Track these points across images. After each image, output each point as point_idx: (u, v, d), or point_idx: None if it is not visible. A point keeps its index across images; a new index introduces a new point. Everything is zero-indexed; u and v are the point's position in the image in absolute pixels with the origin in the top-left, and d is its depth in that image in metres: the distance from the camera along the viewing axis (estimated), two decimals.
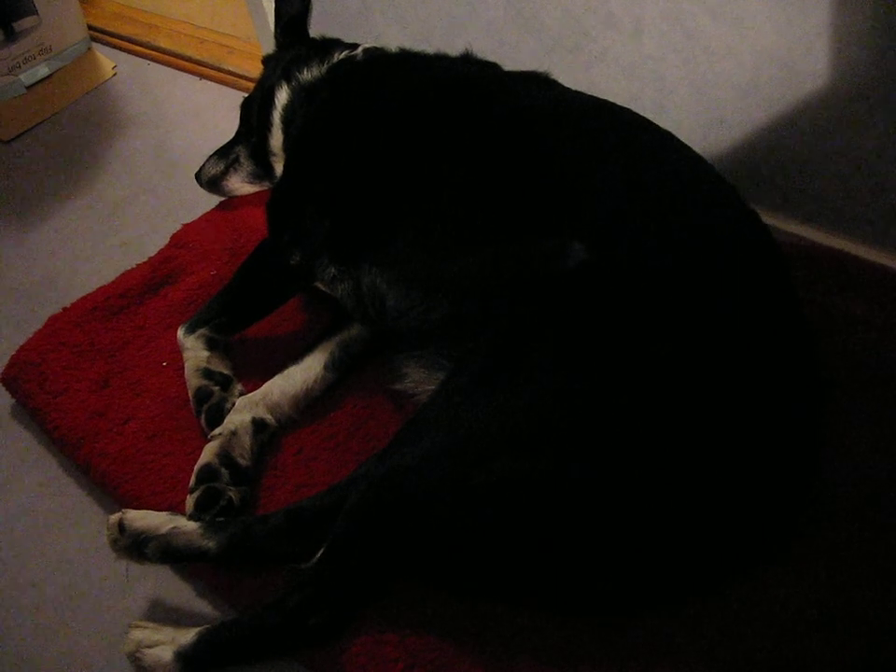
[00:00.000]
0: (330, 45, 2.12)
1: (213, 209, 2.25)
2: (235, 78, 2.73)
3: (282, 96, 2.03)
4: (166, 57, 2.90)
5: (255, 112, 2.12)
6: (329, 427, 1.74)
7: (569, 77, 1.78)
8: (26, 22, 2.78)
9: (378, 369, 1.79)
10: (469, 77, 1.84)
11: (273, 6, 2.31)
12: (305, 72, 2.02)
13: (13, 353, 2.05)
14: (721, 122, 1.80)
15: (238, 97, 2.64)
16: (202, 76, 2.81)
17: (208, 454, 1.65)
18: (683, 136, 1.61)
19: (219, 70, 2.76)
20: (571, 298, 1.43)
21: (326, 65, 2.02)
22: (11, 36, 2.77)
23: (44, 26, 2.83)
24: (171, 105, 2.76)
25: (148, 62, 2.95)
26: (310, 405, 1.78)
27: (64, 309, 2.07)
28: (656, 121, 1.64)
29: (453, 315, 1.56)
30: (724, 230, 1.55)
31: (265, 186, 2.19)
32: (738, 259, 1.51)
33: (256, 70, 2.58)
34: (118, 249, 2.34)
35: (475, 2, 1.98)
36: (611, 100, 1.71)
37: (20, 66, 2.82)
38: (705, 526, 1.35)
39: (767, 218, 1.58)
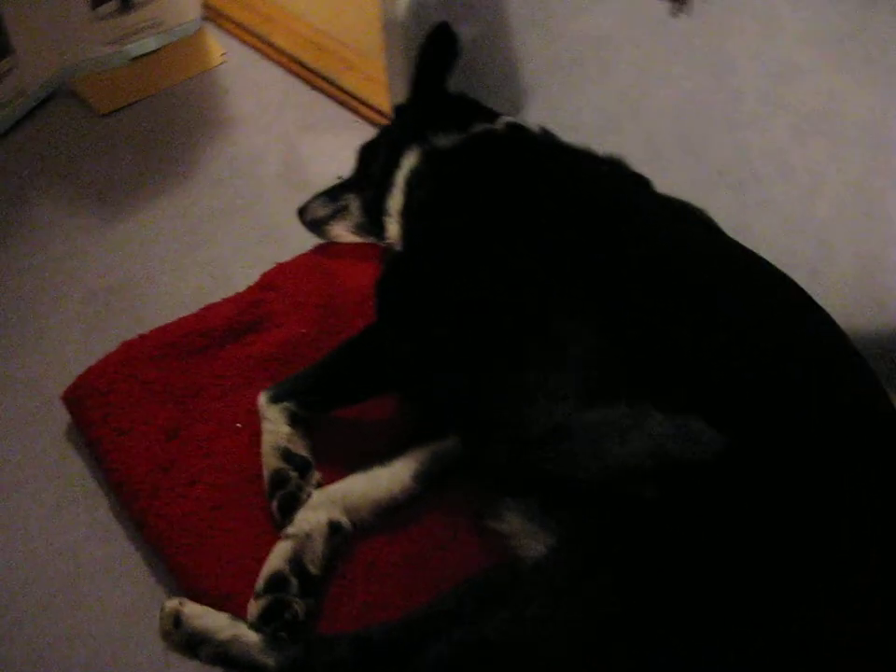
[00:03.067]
0: (470, 110, 2.01)
1: (309, 251, 2.14)
2: (348, 98, 2.60)
3: (410, 158, 1.91)
4: (279, 56, 2.77)
5: (376, 165, 1.99)
6: (406, 543, 1.64)
7: (722, 214, 1.67)
8: None
9: (469, 490, 1.67)
10: (621, 194, 1.72)
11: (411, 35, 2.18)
12: (440, 137, 1.90)
13: (78, 371, 1.94)
14: (881, 307, 1.68)
15: (348, 120, 2.54)
16: (313, 85, 2.68)
17: (279, 557, 1.55)
18: (832, 307, 1.52)
19: (333, 85, 2.63)
20: (706, 498, 1.31)
21: (463, 134, 1.89)
22: (127, 7, 2.63)
23: (161, 1, 2.68)
24: (277, 113, 2.63)
25: (260, 56, 2.80)
26: (390, 514, 1.66)
27: (141, 336, 1.95)
28: (806, 285, 1.54)
29: (566, 473, 1.44)
30: (863, 419, 1.44)
31: (370, 239, 2.07)
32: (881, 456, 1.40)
33: (373, 95, 2.48)
34: (199, 267, 2.23)
35: (640, 108, 1.86)
36: (763, 250, 1.60)
37: (128, 37, 2.69)
38: None
39: None
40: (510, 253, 1.65)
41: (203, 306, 2.07)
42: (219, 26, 2.90)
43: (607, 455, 1.40)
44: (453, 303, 1.66)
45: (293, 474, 1.67)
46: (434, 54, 2.06)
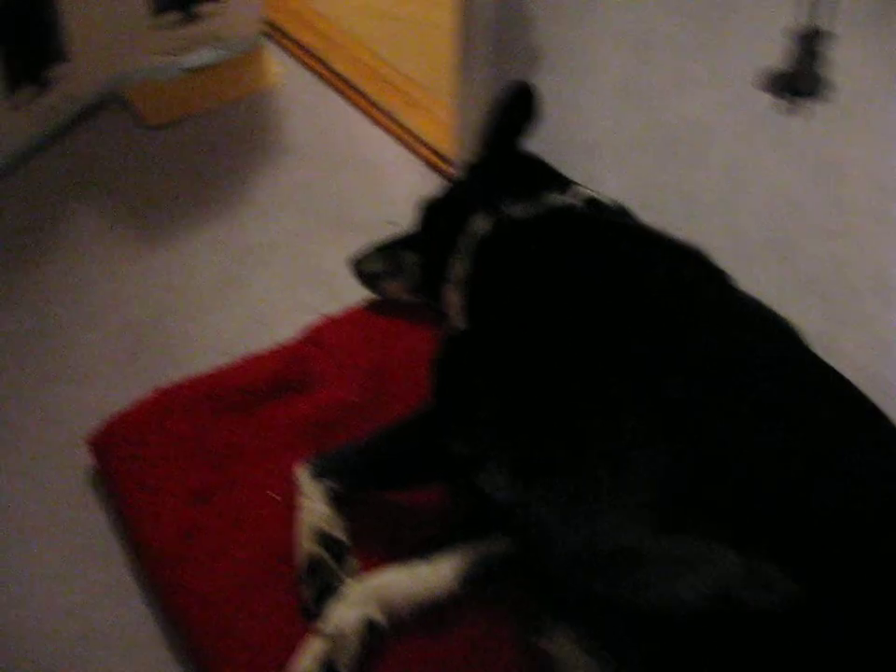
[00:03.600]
0: (545, 177, 1.90)
1: (359, 307, 2.02)
2: (408, 136, 2.48)
3: (478, 224, 1.81)
4: (338, 82, 2.66)
5: (440, 227, 1.89)
6: (441, 650, 1.53)
7: (808, 323, 1.57)
8: (208, 8, 2.55)
9: (517, 594, 1.56)
10: (705, 295, 1.62)
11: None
12: (513, 205, 1.79)
13: (105, 409, 1.84)
14: None
15: (408, 160, 2.43)
16: (372, 119, 2.56)
17: (311, 658, 1.46)
18: None
19: (393, 120, 2.52)
20: (770, 651, 1.21)
21: (538, 206, 1.79)
22: (189, 19, 2.53)
23: (224, 15, 2.58)
24: (333, 144, 2.52)
25: (318, 80, 2.69)
26: (428, 613, 1.55)
27: (177, 384, 1.84)
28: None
29: (626, 601, 1.34)
30: None
31: (427, 302, 1.96)
32: None
33: (436, 137, 2.40)
34: (240, 307, 2.13)
35: (729, 201, 1.76)
36: (849, 368, 1.50)
37: (186, 48, 2.58)
38: None
39: None
40: (583, 349, 1.55)
41: (242, 352, 1.97)
42: (279, 45, 2.78)
43: (672, 588, 1.30)
44: (517, 397, 1.55)
45: (330, 561, 1.57)
46: (511, 114, 1.95)
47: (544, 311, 1.61)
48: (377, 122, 2.56)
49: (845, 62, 1.49)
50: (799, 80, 1.52)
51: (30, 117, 2.34)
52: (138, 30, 2.47)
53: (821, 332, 1.64)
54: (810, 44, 1.49)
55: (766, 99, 1.63)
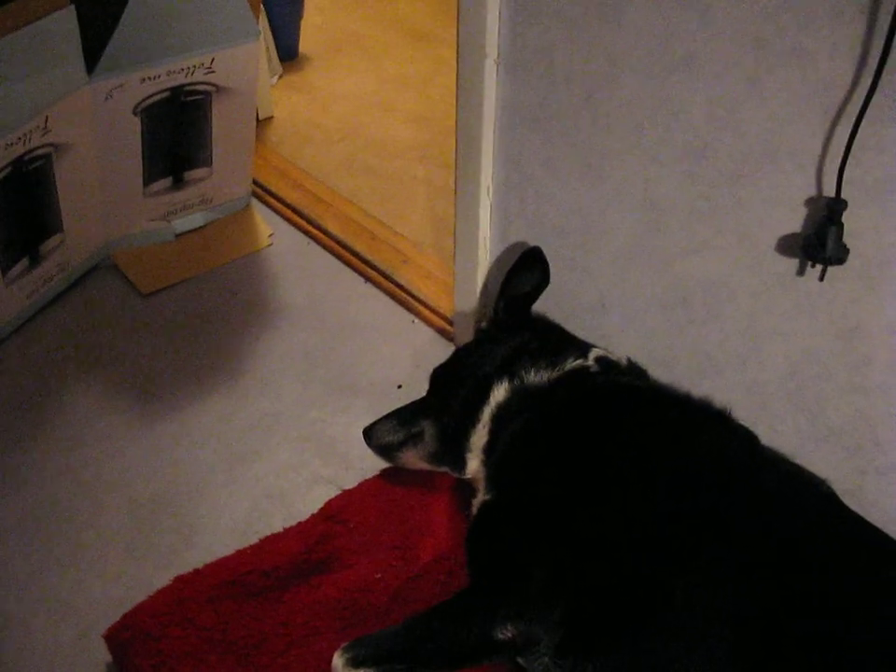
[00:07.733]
0: (558, 341, 1.91)
1: (376, 478, 1.99)
2: (405, 295, 2.49)
3: (499, 393, 1.81)
4: (330, 242, 2.67)
5: (458, 396, 1.87)
6: None
7: (834, 475, 1.60)
8: (197, 174, 2.58)
9: None
10: (735, 459, 1.62)
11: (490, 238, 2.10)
12: (532, 373, 1.80)
13: (119, 596, 1.80)
14: None
15: (405, 319, 2.42)
16: (367, 277, 2.56)
17: None
18: None
19: (388, 279, 2.52)
20: None
21: (556, 371, 1.79)
22: (179, 185, 2.54)
23: (213, 179, 2.59)
24: (329, 305, 2.51)
25: (309, 240, 2.70)
26: None
27: (196, 571, 1.79)
28: None
29: None
30: None
31: (444, 469, 1.93)
32: None
33: (432, 294, 2.40)
34: (251, 482, 2.08)
35: (747, 358, 1.77)
36: (878, 518, 1.54)
37: (175, 213, 2.58)
38: None
39: None
40: (621, 521, 1.53)
41: (258, 530, 1.94)
42: (267, 205, 2.79)
43: None
44: (561, 574, 1.52)
45: None
46: (522, 279, 1.98)
47: (576, 482, 1.60)
48: (372, 281, 2.56)
49: (861, 228, 1.53)
50: (818, 245, 1.54)
51: (23, 289, 2.31)
52: (130, 199, 2.47)
53: (846, 481, 1.66)
54: (829, 211, 1.52)
55: (783, 261, 1.65)
